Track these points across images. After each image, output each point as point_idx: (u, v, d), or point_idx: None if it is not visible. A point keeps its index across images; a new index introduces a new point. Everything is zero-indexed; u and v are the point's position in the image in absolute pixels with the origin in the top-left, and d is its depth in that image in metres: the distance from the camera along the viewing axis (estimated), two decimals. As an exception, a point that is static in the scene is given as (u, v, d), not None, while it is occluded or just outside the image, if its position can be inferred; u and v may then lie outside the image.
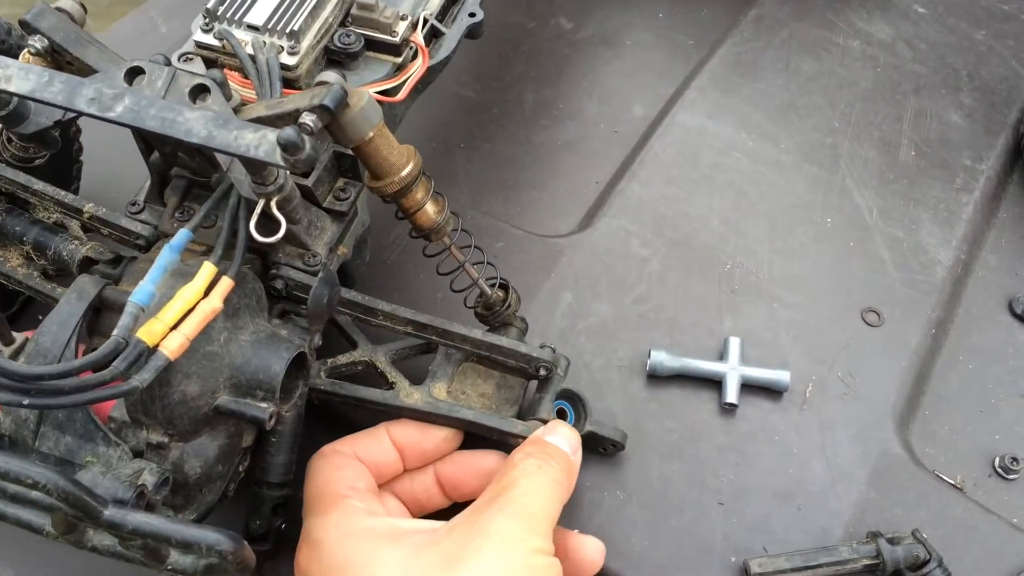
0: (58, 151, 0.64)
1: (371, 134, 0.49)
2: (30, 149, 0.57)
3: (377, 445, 0.57)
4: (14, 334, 0.49)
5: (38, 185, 0.56)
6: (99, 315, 0.48)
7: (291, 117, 0.47)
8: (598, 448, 0.61)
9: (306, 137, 0.43)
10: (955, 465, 0.66)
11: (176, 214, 0.54)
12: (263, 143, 0.43)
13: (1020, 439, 0.67)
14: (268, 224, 0.47)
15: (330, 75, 0.48)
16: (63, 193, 0.56)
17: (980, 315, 0.73)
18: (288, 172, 0.47)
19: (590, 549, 0.55)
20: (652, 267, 0.71)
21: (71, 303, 0.47)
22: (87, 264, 0.55)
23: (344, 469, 0.54)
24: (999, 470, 0.66)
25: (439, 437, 0.58)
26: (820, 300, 0.71)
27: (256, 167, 0.44)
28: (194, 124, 0.44)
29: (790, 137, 0.81)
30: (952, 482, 0.64)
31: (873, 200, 0.77)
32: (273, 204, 0.46)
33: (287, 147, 0.42)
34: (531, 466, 0.50)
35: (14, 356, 0.47)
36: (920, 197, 0.78)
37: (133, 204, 0.56)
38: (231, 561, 0.40)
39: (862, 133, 0.82)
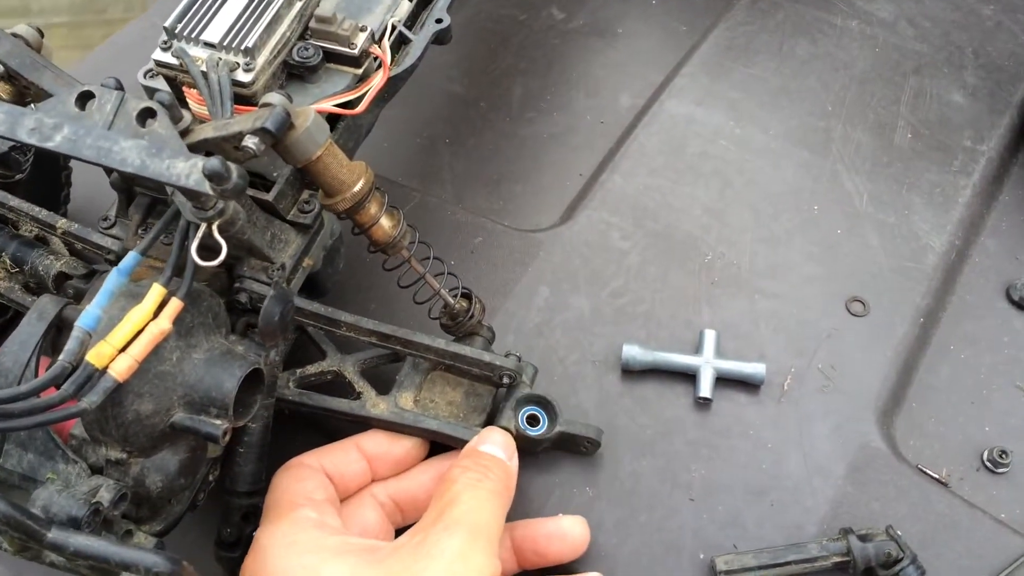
0: (46, 161, 0.65)
1: (318, 153, 0.49)
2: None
3: (344, 456, 0.56)
4: None
5: (13, 201, 0.57)
6: (61, 333, 0.49)
7: (236, 139, 0.46)
8: (578, 448, 0.59)
9: (232, 166, 0.42)
10: (941, 459, 0.63)
11: (139, 231, 0.54)
12: (193, 172, 0.43)
13: (1012, 431, 0.64)
14: (213, 247, 0.47)
15: (274, 96, 0.47)
16: (37, 209, 0.57)
17: (975, 302, 0.70)
18: None
19: (575, 530, 0.55)
20: (631, 260, 0.70)
21: (32, 324, 0.47)
22: (61, 279, 0.56)
23: (305, 480, 0.54)
24: (987, 463, 0.62)
25: (407, 446, 0.57)
26: (803, 290, 0.68)
27: (192, 194, 0.44)
28: (128, 153, 0.44)
29: (780, 123, 0.78)
30: (936, 476, 0.61)
31: (864, 185, 0.74)
32: (214, 228, 0.46)
33: (212, 177, 0.42)
34: (470, 480, 0.50)
35: None
36: (914, 181, 0.74)
37: (105, 219, 0.56)
38: None
39: (856, 116, 0.78)
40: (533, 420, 0.58)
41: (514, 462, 0.54)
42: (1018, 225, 0.74)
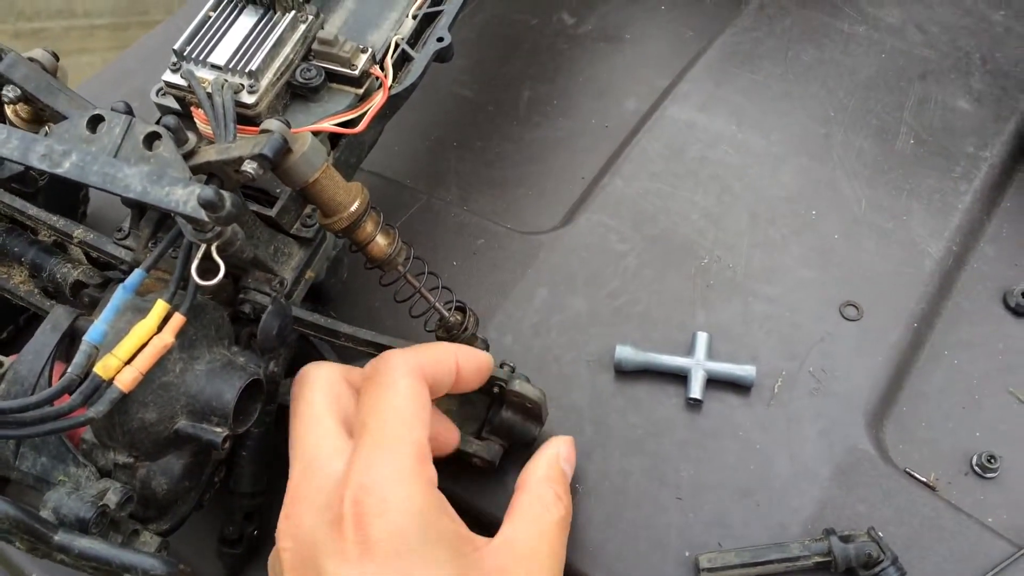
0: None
1: (315, 176, 0.50)
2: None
3: (444, 370, 0.51)
4: (1, 358, 0.53)
5: (32, 210, 0.58)
6: (74, 342, 0.51)
7: (237, 163, 0.48)
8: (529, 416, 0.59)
9: (226, 196, 0.44)
10: (930, 463, 0.63)
11: (149, 244, 0.56)
12: (190, 199, 0.44)
13: (1003, 437, 0.63)
14: (213, 266, 0.49)
15: (273, 123, 0.49)
16: (55, 218, 0.59)
17: (971, 308, 0.69)
18: None
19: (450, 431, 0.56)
20: (628, 262, 0.70)
21: (46, 334, 0.50)
22: (78, 287, 0.58)
23: (428, 414, 0.48)
24: (976, 468, 0.62)
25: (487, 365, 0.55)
26: (797, 294, 0.68)
27: (189, 219, 0.46)
28: (131, 180, 0.46)
29: (782, 128, 0.78)
30: (924, 480, 0.62)
31: (863, 191, 0.74)
32: (213, 249, 0.47)
33: (207, 206, 0.43)
34: (557, 513, 0.51)
35: None
36: (914, 187, 0.74)
37: (119, 231, 0.58)
38: None
39: (858, 122, 0.78)
40: None
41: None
42: (1019, 232, 0.73)
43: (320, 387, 0.50)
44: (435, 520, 0.45)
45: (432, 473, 0.46)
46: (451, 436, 0.57)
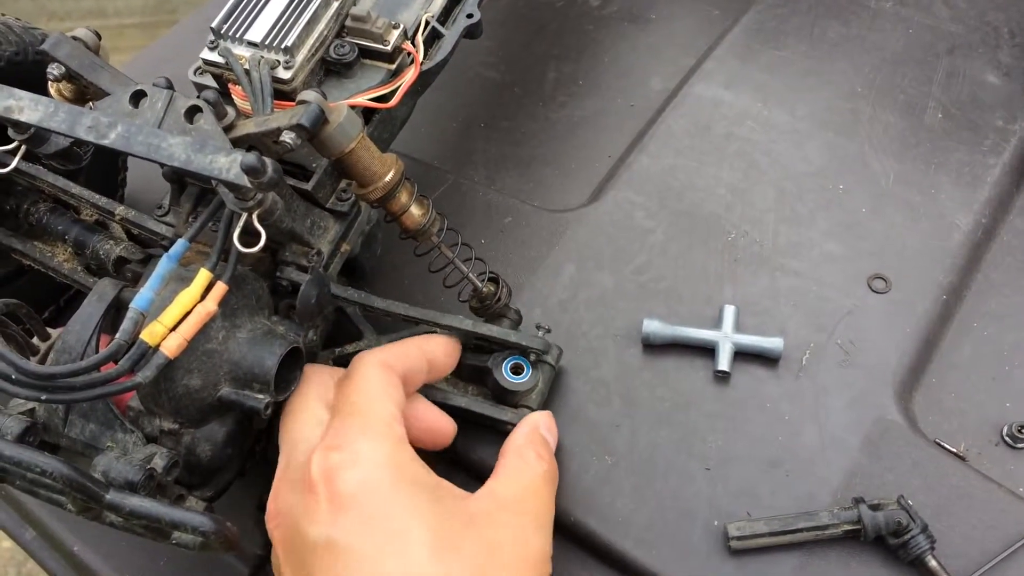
0: (105, 149, 0.69)
1: (350, 147, 0.51)
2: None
3: (416, 365, 0.55)
4: (49, 331, 0.54)
5: (75, 189, 0.60)
6: (119, 313, 0.52)
7: (275, 134, 0.49)
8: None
9: (267, 162, 0.45)
10: (960, 434, 0.63)
11: (190, 219, 0.57)
12: (232, 167, 0.45)
13: (1033, 407, 0.64)
14: (254, 234, 0.49)
15: (310, 94, 0.50)
16: (97, 196, 0.60)
17: (1001, 280, 0.69)
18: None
19: (444, 428, 0.57)
20: (655, 238, 0.71)
21: (92, 304, 0.51)
22: (121, 263, 0.59)
23: (397, 393, 0.52)
24: (1007, 438, 0.62)
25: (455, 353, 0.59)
26: (824, 268, 0.68)
27: (232, 186, 0.47)
28: (175, 149, 0.47)
29: (808, 104, 0.78)
30: (954, 450, 0.62)
31: (891, 165, 0.74)
32: (254, 217, 0.48)
33: (249, 171, 0.45)
34: (540, 467, 0.53)
35: (48, 351, 0.52)
36: (942, 161, 0.74)
37: (159, 208, 0.59)
38: (213, 540, 0.45)
39: (886, 97, 0.78)
40: (515, 370, 0.60)
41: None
42: (1050, 204, 0.73)
43: (309, 382, 0.53)
44: (407, 467, 0.46)
45: (401, 432, 0.48)
46: (446, 427, 0.58)
